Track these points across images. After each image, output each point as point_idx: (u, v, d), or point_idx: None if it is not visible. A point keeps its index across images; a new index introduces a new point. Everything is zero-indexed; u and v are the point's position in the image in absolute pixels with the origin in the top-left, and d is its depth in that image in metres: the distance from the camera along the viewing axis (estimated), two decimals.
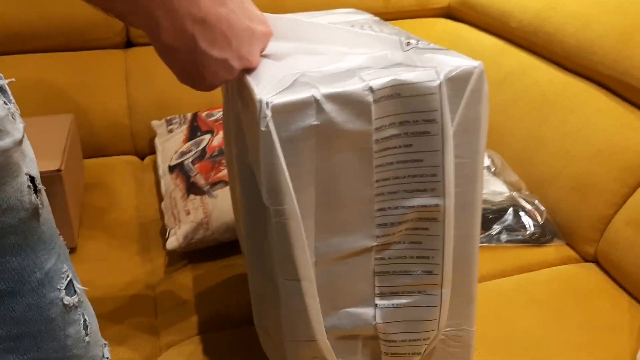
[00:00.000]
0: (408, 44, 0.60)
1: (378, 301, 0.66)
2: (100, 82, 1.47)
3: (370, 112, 0.55)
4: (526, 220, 1.08)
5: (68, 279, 0.53)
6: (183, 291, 1.00)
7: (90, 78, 1.46)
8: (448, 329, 0.71)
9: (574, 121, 1.09)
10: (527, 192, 1.13)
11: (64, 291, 0.52)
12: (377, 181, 0.59)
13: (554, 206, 1.09)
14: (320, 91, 0.53)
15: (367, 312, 0.67)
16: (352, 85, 0.54)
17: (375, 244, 0.62)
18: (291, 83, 0.54)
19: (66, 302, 0.52)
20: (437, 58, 0.58)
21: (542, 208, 1.09)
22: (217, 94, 1.47)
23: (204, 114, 1.34)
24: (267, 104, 0.52)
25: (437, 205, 0.61)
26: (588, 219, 1.03)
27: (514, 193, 1.12)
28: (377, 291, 0.66)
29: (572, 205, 1.06)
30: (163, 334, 0.93)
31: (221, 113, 1.32)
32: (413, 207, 0.61)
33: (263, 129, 0.52)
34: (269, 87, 0.53)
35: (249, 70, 0.59)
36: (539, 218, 1.08)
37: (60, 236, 0.55)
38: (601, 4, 1.14)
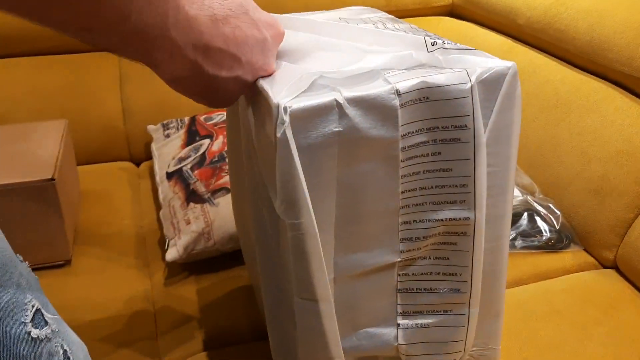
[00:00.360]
0: (433, 43, 0.55)
1: (400, 321, 0.62)
2: (94, 85, 1.42)
3: (396, 118, 0.50)
4: (542, 225, 1.04)
5: (34, 309, 0.48)
6: (184, 305, 0.95)
7: (84, 81, 1.42)
8: (474, 348, 0.66)
9: (590, 121, 1.05)
10: (541, 196, 1.09)
11: (30, 324, 0.47)
12: (402, 192, 0.54)
13: (570, 210, 1.05)
14: (342, 94, 0.48)
15: (388, 332, 0.62)
16: (377, 88, 0.49)
17: (399, 259, 0.58)
18: (309, 85, 0.49)
19: (35, 336, 0.47)
20: (467, 59, 0.53)
21: (558, 212, 1.04)
22: None
23: (202, 118, 1.29)
24: (285, 109, 0.47)
25: (467, 218, 0.56)
26: (607, 223, 0.99)
27: (528, 197, 1.07)
28: (399, 310, 0.61)
29: (589, 209, 1.01)
30: (164, 352, 0.88)
31: (221, 116, 1.27)
32: (441, 220, 0.56)
33: (279, 136, 0.47)
34: (286, 90, 0.49)
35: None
36: (554, 222, 1.04)
37: (25, 262, 0.51)
38: None
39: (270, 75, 0.54)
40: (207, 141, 1.20)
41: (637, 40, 1.02)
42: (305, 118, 0.48)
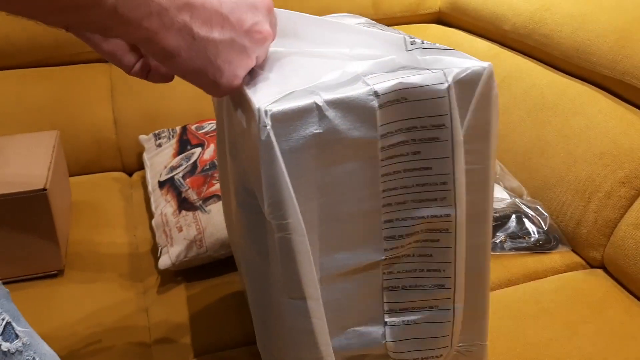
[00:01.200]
0: (412, 42, 0.56)
1: (387, 318, 0.63)
2: (85, 96, 1.43)
3: (375, 118, 0.51)
4: (530, 226, 1.05)
5: (4, 322, 0.49)
6: (177, 312, 0.96)
7: (75, 93, 1.43)
8: (460, 344, 0.67)
9: (576, 123, 1.06)
10: (528, 198, 1.10)
11: (0, 337, 0.48)
12: (383, 191, 0.55)
13: (557, 211, 1.06)
14: (322, 97, 0.50)
15: (376, 330, 0.63)
16: (356, 90, 0.51)
17: (383, 257, 0.59)
18: (291, 91, 0.50)
19: (5, 349, 0.48)
20: (444, 59, 0.54)
21: (546, 214, 1.06)
22: (208, 104, 1.44)
23: (193, 127, 1.30)
24: (266, 112, 0.48)
25: (447, 215, 0.57)
26: (593, 223, 1.00)
27: (516, 199, 1.09)
28: (386, 308, 0.62)
29: (576, 210, 1.03)
30: (157, 359, 0.88)
31: (212, 125, 1.28)
32: (422, 217, 0.57)
33: (263, 139, 0.48)
34: (268, 95, 0.50)
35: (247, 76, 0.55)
36: (542, 224, 1.05)
37: None
38: (597, 3, 1.12)
39: (271, 41, 0.54)
40: (198, 150, 1.21)
41: (619, 43, 1.03)
42: (286, 121, 0.49)
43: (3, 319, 0.49)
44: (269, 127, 0.48)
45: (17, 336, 0.49)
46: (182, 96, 1.44)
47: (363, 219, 0.56)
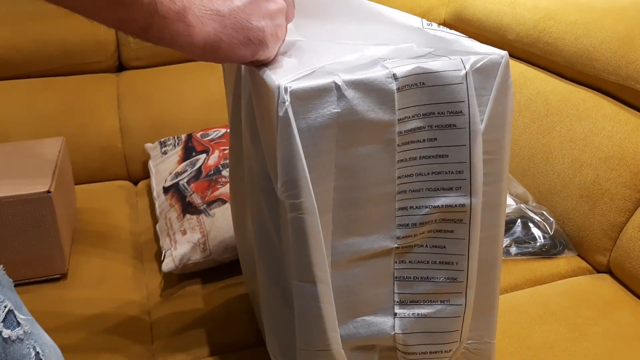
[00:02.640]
0: (429, 24, 0.57)
1: (398, 310, 0.62)
2: (93, 106, 1.44)
3: (393, 101, 0.52)
4: (535, 231, 1.05)
5: (6, 309, 0.48)
6: (180, 315, 0.95)
7: (83, 102, 1.43)
8: (469, 341, 0.66)
9: (580, 128, 1.07)
10: (534, 204, 1.10)
11: (2, 324, 0.48)
12: (399, 177, 0.55)
13: (563, 216, 1.06)
14: (341, 77, 0.50)
15: (385, 321, 0.62)
16: (375, 72, 0.51)
17: (396, 245, 0.59)
18: (311, 70, 0.51)
19: (6, 336, 0.47)
20: (463, 43, 0.55)
21: (551, 219, 1.06)
22: (214, 113, 1.44)
23: (199, 134, 1.30)
24: (285, 89, 0.48)
25: (463, 205, 0.57)
26: (599, 227, 1.00)
27: (522, 205, 1.09)
28: (396, 299, 0.62)
29: (582, 214, 1.03)
30: None
31: (217, 132, 1.29)
32: (437, 206, 0.57)
33: (281, 115, 0.48)
34: (288, 74, 0.50)
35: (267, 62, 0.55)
36: (548, 229, 1.05)
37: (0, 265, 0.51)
38: (601, 10, 1.13)
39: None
40: (203, 156, 1.21)
41: (623, 49, 1.04)
42: (305, 99, 0.49)
43: (5, 306, 0.49)
44: (287, 103, 0.48)
45: (18, 324, 0.49)
46: (188, 105, 1.44)
47: (377, 204, 0.56)
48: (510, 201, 1.10)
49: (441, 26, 0.59)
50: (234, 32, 0.51)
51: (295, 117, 0.49)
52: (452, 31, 0.59)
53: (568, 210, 1.05)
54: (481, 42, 1.44)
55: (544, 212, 1.07)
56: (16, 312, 0.50)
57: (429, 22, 0.58)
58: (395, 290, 0.62)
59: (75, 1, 0.46)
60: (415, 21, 0.59)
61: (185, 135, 1.33)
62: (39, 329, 0.53)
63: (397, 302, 0.62)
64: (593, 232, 1.01)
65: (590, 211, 1.02)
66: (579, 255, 1.05)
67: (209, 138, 1.27)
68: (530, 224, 1.06)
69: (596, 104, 1.08)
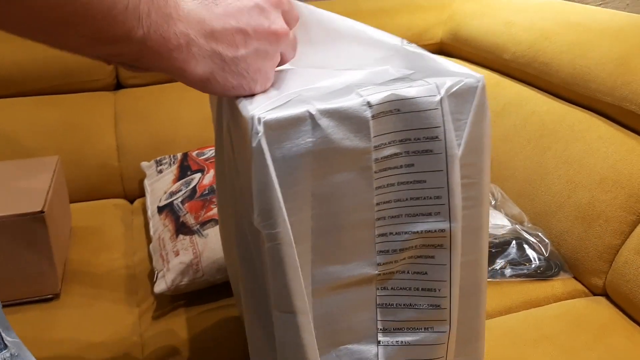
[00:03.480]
0: (408, 44, 0.57)
1: (381, 337, 0.61)
2: (90, 124, 1.44)
3: (368, 129, 0.51)
4: (530, 253, 1.04)
5: None
6: (173, 338, 0.95)
7: (80, 120, 1.44)
8: None
9: (576, 150, 1.06)
10: (529, 225, 1.09)
11: None
12: (377, 204, 0.55)
13: (558, 238, 1.05)
14: (315, 107, 0.50)
15: (369, 349, 0.61)
16: (350, 101, 0.51)
17: (377, 272, 0.58)
18: (285, 101, 0.50)
19: None
20: (439, 68, 0.55)
21: (547, 240, 1.05)
22: (210, 132, 1.45)
23: (194, 153, 1.31)
24: (259, 119, 0.48)
25: (442, 230, 0.56)
26: (595, 249, 0.99)
27: (517, 226, 1.08)
28: (379, 326, 0.61)
29: (577, 236, 1.02)
30: None
31: (212, 152, 1.28)
32: (417, 232, 0.56)
33: (254, 145, 0.48)
34: (260, 104, 0.50)
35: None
36: (543, 251, 1.04)
37: None
38: (597, 31, 1.12)
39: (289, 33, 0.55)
40: (198, 175, 1.21)
41: (618, 70, 1.04)
42: (279, 129, 0.49)
43: None
44: (260, 134, 0.48)
45: (5, 346, 0.49)
46: (184, 124, 1.45)
47: (356, 231, 0.55)
48: (505, 222, 1.09)
49: (419, 47, 0.59)
50: (230, 76, 0.52)
51: (270, 147, 0.49)
52: (430, 54, 0.59)
53: (563, 232, 1.04)
54: (477, 61, 1.44)
55: (539, 234, 1.06)
56: (3, 334, 0.50)
57: (408, 42, 0.58)
58: (378, 318, 0.61)
59: (57, 40, 0.45)
60: (395, 40, 0.59)
61: (181, 154, 1.33)
62: (26, 351, 0.52)
63: (380, 329, 0.61)
64: (588, 255, 1.00)
65: (586, 233, 1.01)
66: (575, 278, 1.04)
67: (204, 157, 1.27)
68: (525, 246, 1.05)
69: (591, 125, 1.07)
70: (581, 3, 1.35)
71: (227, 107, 0.59)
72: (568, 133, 1.10)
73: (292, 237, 0.51)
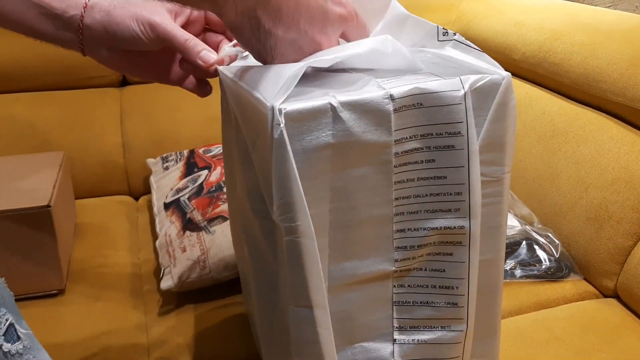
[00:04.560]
0: (445, 33, 0.56)
1: (397, 336, 0.61)
2: (95, 120, 1.43)
3: (390, 122, 0.50)
4: (541, 254, 1.03)
5: (7, 323, 0.49)
6: (178, 335, 0.94)
7: (85, 116, 1.43)
8: None
9: (587, 150, 1.05)
10: (539, 226, 1.08)
11: (3, 337, 0.48)
12: (396, 199, 0.54)
13: (569, 239, 1.04)
14: (336, 98, 0.49)
15: (384, 347, 0.61)
16: (371, 93, 0.50)
17: (394, 268, 0.57)
18: (297, 80, 0.49)
19: (6, 350, 0.47)
20: (467, 63, 0.54)
21: (557, 241, 1.04)
22: (217, 129, 1.44)
23: (201, 150, 1.30)
24: (280, 110, 0.47)
25: (462, 227, 0.56)
26: (606, 251, 0.98)
27: (527, 226, 1.07)
28: (395, 324, 0.60)
29: (588, 237, 1.01)
30: None
31: (219, 149, 1.28)
32: (435, 228, 0.56)
33: (276, 137, 0.47)
34: (277, 90, 0.49)
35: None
36: (554, 252, 1.03)
37: (1, 278, 0.51)
38: (607, 32, 1.12)
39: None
40: (205, 172, 1.20)
41: (629, 71, 1.03)
42: (299, 121, 0.48)
43: (7, 320, 0.48)
44: (282, 125, 0.47)
45: (18, 338, 0.49)
46: (191, 121, 1.44)
47: (374, 226, 0.54)
48: (515, 222, 1.09)
49: (457, 35, 0.57)
50: (255, 40, 0.52)
51: (290, 138, 0.48)
52: (467, 42, 0.57)
53: (574, 233, 1.03)
54: None
55: (550, 234, 1.05)
56: (17, 326, 0.50)
57: (444, 31, 0.56)
58: (394, 316, 0.60)
59: None
60: (431, 31, 0.58)
61: (187, 150, 1.32)
62: (37, 344, 0.53)
63: (396, 327, 0.60)
64: (600, 256, 0.99)
65: (597, 234, 1.00)
66: (585, 279, 1.03)
67: (211, 154, 1.27)
68: (536, 246, 1.04)
69: (602, 126, 1.07)
70: (590, 4, 1.35)
71: (237, 98, 0.58)
72: (579, 133, 1.09)
73: (313, 230, 0.50)
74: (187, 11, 0.65)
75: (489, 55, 0.59)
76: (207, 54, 0.62)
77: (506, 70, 1.37)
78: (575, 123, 1.11)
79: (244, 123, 0.57)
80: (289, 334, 0.56)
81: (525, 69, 1.27)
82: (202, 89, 0.72)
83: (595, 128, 1.07)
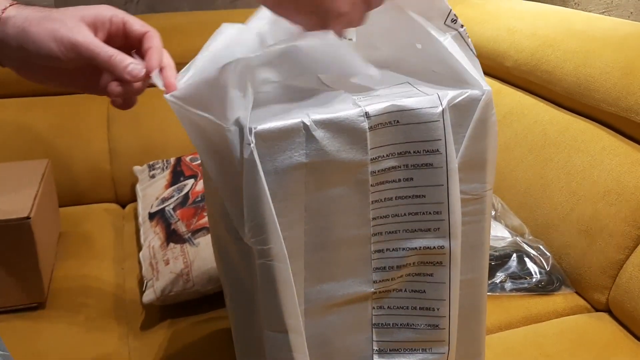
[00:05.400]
0: (454, 20, 0.53)
1: (377, 359, 0.59)
2: (82, 126, 1.41)
3: (365, 140, 0.49)
4: (531, 266, 1.01)
5: None
6: (161, 350, 0.92)
7: (71, 123, 1.41)
8: None
9: (579, 161, 1.03)
10: (530, 237, 1.06)
11: None
12: (374, 219, 0.52)
13: (560, 251, 1.02)
14: (310, 117, 0.47)
15: None
16: (346, 110, 0.48)
17: (373, 290, 0.55)
18: (279, 111, 0.47)
19: None
20: (453, 67, 0.52)
21: (548, 254, 1.02)
22: None
23: (188, 158, 1.28)
24: (250, 129, 0.45)
25: (442, 247, 0.54)
26: (598, 264, 0.96)
27: (517, 238, 1.05)
28: (375, 347, 0.58)
29: (580, 250, 0.99)
30: None
31: None
32: (415, 249, 0.54)
33: (246, 157, 0.45)
34: (255, 114, 0.47)
35: None
36: (544, 264, 1.01)
37: None
38: (601, 40, 1.10)
39: None
40: (191, 181, 1.18)
41: (623, 80, 1.01)
42: (271, 140, 0.46)
43: None
44: (252, 145, 0.45)
45: None
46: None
47: (351, 247, 0.53)
48: (505, 234, 1.07)
49: (463, 28, 0.55)
50: None
51: (262, 158, 0.46)
52: (468, 41, 0.55)
53: (565, 245, 1.01)
54: None
55: (541, 247, 1.03)
56: None
57: (454, 19, 0.54)
58: (374, 338, 0.58)
59: None
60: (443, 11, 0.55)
61: (174, 158, 1.30)
62: None
63: (376, 350, 0.59)
64: (591, 269, 0.97)
65: (589, 247, 0.98)
66: (577, 293, 1.01)
67: (198, 162, 1.25)
68: (526, 259, 1.02)
69: (595, 136, 1.05)
70: (584, 11, 1.33)
71: (194, 126, 0.55)
72: (571, 143, 1.07)
73: (286, 254, 0.48)
74: (106, 24, 0.61)
75: (480, 62, 0.56)
76: (135, 68, 0.57)
77: (498, 77, 1.35)
78: (568, 133, 1.09)
79: (206, 148, 0.54)
80: (265, 358, 0.55)
81: (518, 76, 1.25)
82: (128, 101, 0.66)
83: (587, 138, 1.05)
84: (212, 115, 0.47)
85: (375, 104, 0.49)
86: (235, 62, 0.47)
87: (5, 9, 0.56)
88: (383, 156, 0.50)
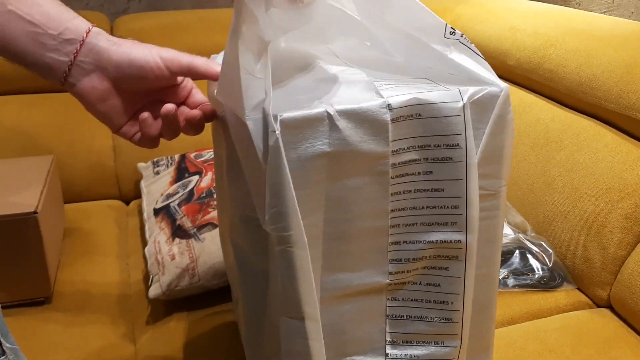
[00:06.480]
0: (452, 32, 0.54)
1: (389, 350, 0.59)
2: (86, 123, 1.41)
3: (387, 132, 0.49)
4: (534, 263, 1.02)
5: None
6: (166, 344, 0.92)
7: (75, 119, 1.41)
8: None
9: (581, 158, 1.05)
10: (533, 234, 1.07)
11: None
12: (392, 211, 0.53)
13: (562, 248, 1.03)
14: (334, 107, 0.48)
15: None
16: (369, 102, 0.49)
17: (388, 281, 0.56)
18: (303, 99, 0.48)
19: None
20: (465, 69, 0.52)
21: (550, 250, 1.03)
22: (208, 134, 1.42)
23: (192, 155, 1.28)
24: (275, 117, 0.46)
25: (458, 241, 0.54)
26: (599, 260, 0.98)
27: (520, 235, 1.06)
28: (388, 338, 0.59)
29: (582, 246, 1.00)
30: None
31: (211, 154, 1.26)
32: (431, 242, 0.55)
33: (271, 144, 0.46)
34: (279, 102, 0.48)
35: None
36: (547, 261, 1.02)
37: None
38: (603, 38, 1.11)
39: None
40: (196, 178, 1.18)
41: (625, 78, 1.02)
42: (296, 128, 0.47)
43: None
44: (277, 132, 0.46)
45: (3, 352, 0.47)
46: None
47: (369, 238, 0.53)
48: (508, 230, 1.08)
49: (464, 37, 0.56)
50: None
51: (285, 146, 0.47)
52: (471, 46, 0.56)
53: (567, 242, 1.02)
54: None
55: (543, 243, 1.04)
56: (2, 340, 0.48)
57: (452, 30, 0.55)
58: (387, 329, 0.59)
59: None
60: (439, 27, 0.56)
61: (178, 155, 1.30)
62: (23, 358, 0.51)
63: (389, 341, 0.59)
64: (593, 265, 0.99)
65: (591, 243, 0.99)
66: (579, 289, 1.02)
67: (202, 159, 1.25)
68: (529, 255, 1.03)
69: (597, 134, 1.06)
70: (585, 10, 1.34)
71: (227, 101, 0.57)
72: (573, 141, 1.08)
73: (305, 240, 0.49)
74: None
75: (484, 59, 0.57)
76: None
77: (500, 76, 1.36)
78: (570, 131, 1.10)
79: (239, 125, 0.55)
80: (279, 345, 0.55)
81: (520, 75, 1.26)
82: (153, 142, 0.67)
83: (589, 136, 1.06)
84: (231, 102, 0.48)
85: (398, 96, 0.50)
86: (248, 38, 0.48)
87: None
88: (404, 149, 0.51)
